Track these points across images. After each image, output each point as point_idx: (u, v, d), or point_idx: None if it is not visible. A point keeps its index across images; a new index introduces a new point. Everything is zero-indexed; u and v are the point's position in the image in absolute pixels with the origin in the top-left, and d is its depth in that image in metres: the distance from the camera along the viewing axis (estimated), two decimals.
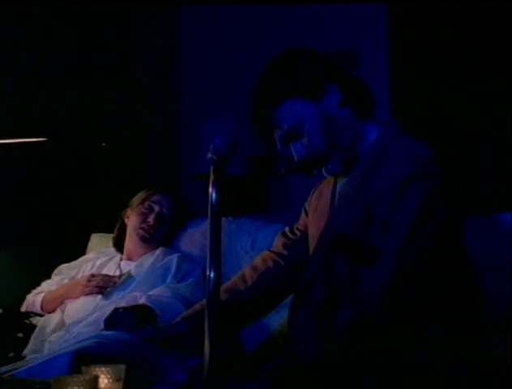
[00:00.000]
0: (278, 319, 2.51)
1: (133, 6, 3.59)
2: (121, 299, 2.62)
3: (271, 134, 1.99)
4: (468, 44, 3.37)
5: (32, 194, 3.23)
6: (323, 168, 1.99)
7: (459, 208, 1.89)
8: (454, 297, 1.83)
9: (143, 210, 2.89)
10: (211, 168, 1.59)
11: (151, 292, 2.63)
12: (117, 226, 2.97)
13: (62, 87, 3.32)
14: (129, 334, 2.27)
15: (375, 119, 2.00)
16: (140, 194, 2.96)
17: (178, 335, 2.11)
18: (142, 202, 2.92)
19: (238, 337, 2.51)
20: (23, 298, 2.87)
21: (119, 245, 2.95)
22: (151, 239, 2.87)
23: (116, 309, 2.43)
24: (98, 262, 2.90)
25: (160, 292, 2.64)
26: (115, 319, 2.38)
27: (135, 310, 2.45)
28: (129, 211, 2.95)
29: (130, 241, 2.90)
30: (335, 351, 1.77)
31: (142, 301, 2.54)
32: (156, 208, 2.89)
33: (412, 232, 1.78)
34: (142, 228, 2.86)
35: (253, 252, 2.76)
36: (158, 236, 2.89)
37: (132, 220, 2.91)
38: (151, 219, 2.86)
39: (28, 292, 2.88)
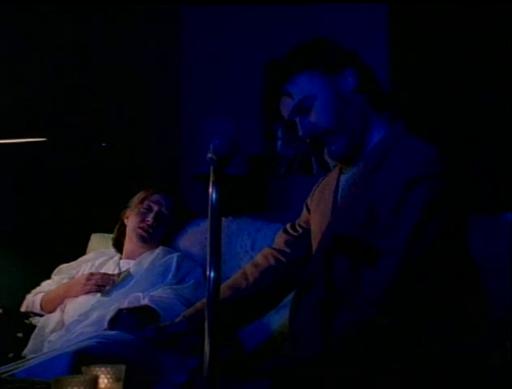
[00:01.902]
0: (277, 319, 2.52)
1: (133, 6, 3.59)
2: (123, 298, 2.62)
3: (278, 105, 2.00)
4: (469, 44, 3.36)
5: (32, 194, 3.22)
6: (326, 150, 1.99)
7: (462, 209, 1.89)
8: (456, 297, 1.83)
9: (142, 210, 2.90)
10: (211, 168, 1.59)
11: (152, 293, 2.63)
12: (117, 227, 2.98)
13: (62, 87, 3.31)
14: (130, 334, 2.27)
15: (383, 117, 2.00)
16: (139, 194, 2.96)
17: (180, 334, 2.11)
18: (142, 202, 2.92)
19: (238, 337, 2.51)
20: (23, 298, 2.87)
21: (118, 246, 2.95)
22: (149, 238, 2.87)
23: (120, 310, 2.43)
24: (97, 262, 2.90)
25: (162, 293, 2.64)
26: (119, 320, 2.39)
27: (138, 311, 2.45)
28: (128, 212, 2.95)
29: (130, 241, 2.91)
30: (335, 351, 1.77)
31: (145, 301, 2.55)
32: (155, 208, 2.89)
33: (415, 233, 1.78)
34: (141, 228, 2.86)
35: (253, 252, 2.76)
36: (157, 235, 2.89)
37: (131, 220, 2.91)
38: (149, 218, 2.86)
39: (28, 292, 2.88)
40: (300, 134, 1.98)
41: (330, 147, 1.97)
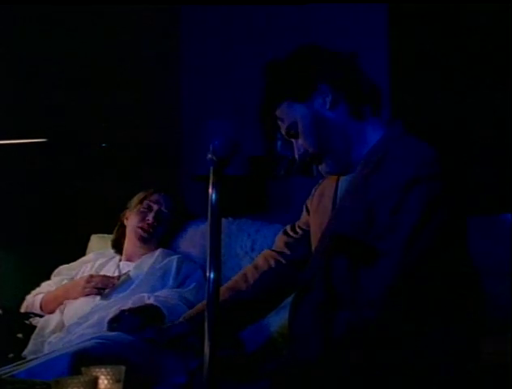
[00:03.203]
0: (278, 320, 2.52)
1: (133, 6, 3.59)
2: (126, 299, 2.61)
3: (277, 129, 2.03)
4: (469, 44, 3.37)
5: (32, 195, 3.22)
6: (319, 168, 2.01)
7: (462, 210, 1.89)
8: (455, 297, 1.83)
9: (142, 209, 2.89)
10: (211, 169, 1.59)
11: (157, 293, 2.63)
12: (116, 228, 2.97)
13: (62, 87, 3.31)
14: (130, 335, 2.27)
15: (379, 119, 2.00)
16: (139, 194, 2.95)
17: (182, 336, 2.10)
18: (141, 202, 2.92)
19: (239, 338, 2.50)
20: (23, 299, 2.86)
21: (118, 247, 2.95)
22: (149, 238, 2.86)
23: (122, 311, 2.43)
24: (97, 263, 2.90)
25: (166, 294, 2.64)
26: (119, 321, 2.39)
27: (141, 312, 2.45)
28: (127, 213, 2.94)
29: (129, 242, 2.90)
30: (335, 352, 1.77)
31: (150, 301, 2.54)
32: (155, 207, 2.89)
33: (414, 234, 1.78)
34: (141, 227, 2.85)
35: (253, 253, 2.76)
36: (156, 235, 2.88)
37: (131, 220, 2.90)
38: (150, 217, 2.86)
39: (28, 292, 2.88)
40: (296, 156, 2.01)
41: (321, 168, 2.00)
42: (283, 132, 2.01)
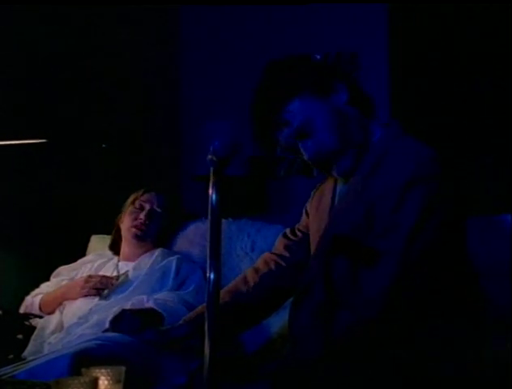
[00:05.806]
0: (278, 321, 2.51)
1: (133, 6, 3.59)
2: (126, 300, 2.61)
3: (274, 134, 1.96)
4: (468, 44, 3.37)
5: (32, 195, 3.22)
6: (333, 168, 1.96)
7: (460, 210, 1.89)
8: (455, 298, 1.83)
9: (134, 209, 2.90)
10: (211, 169, 1.59)
11: (156, 296, 2.63)
12: (113, 232, 2.98)
13: (62, 87, 3.31)
14: (131, 336, 2.27)
15: (377, 120, 1.99)
16: (130, 196, 2.96)
17: (182, 338, 2.10)
18: (133, 202, 2.93)
19: (239, 339, 2.51)
20: (23, 299, 2.86)
21: (115, 249, 2.95)
22: (143, 236, 2.86)
23: (124, 311, 2.43)
24: (96, 264, 2.90)
25: (165, 296, 2.64)
26: (121, 320, 2.39)
27: (142, 313, 2.45)
28: (122, 216, 2.95)
29: (126, 243, 2.91)
30: (335, 352, 1.77)
31: (149, 304, 2.54)
32: (147, 206, 2.90)
33: (414, 234, 1.78)
34: (135, 226, 2.86)
35: (253, 253, 2.76)
36: (150, 233, 2.88)
37: (125, 222, 2.91)
38: (142, 216, 2.87)
39: (28, 293, 2.88)
40: (306, 158, 1.94)
41: (340, 166, 1.94)
42: (288, 134, 1.93)
